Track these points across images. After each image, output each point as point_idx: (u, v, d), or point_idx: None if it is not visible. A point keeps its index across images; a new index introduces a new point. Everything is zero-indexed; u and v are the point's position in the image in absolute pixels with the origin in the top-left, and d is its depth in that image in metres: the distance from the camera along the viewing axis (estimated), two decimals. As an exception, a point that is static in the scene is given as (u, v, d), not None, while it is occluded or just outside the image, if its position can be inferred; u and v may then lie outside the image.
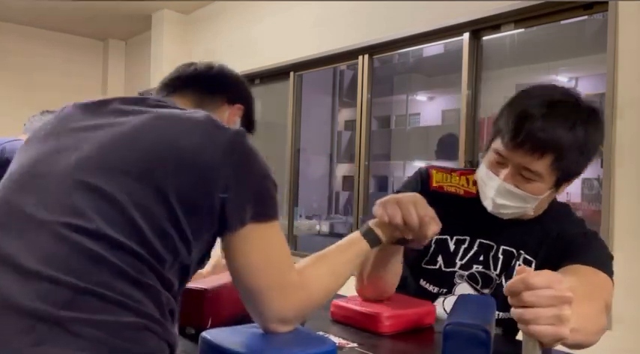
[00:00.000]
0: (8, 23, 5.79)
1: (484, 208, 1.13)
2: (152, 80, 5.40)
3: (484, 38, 3.10)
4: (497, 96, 3.15)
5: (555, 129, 0.99)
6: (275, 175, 0.83)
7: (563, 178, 1.06)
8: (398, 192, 1.16)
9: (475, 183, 1.18)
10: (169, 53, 5.34)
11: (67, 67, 6.15)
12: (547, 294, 0.66)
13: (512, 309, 0.68)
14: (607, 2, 2.45)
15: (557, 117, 1.00)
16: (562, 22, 2.79)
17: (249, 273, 0.80)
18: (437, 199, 1.12)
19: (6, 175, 0.82)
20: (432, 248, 1.22)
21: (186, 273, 0.80)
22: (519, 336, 0.89)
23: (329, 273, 0.89)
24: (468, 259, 1.20)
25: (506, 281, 1.15)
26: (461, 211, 1.19)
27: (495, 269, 1.18)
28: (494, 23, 2.98)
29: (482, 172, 1.11)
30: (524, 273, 0.68)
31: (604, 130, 1.08)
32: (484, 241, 1.19)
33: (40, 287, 0.66)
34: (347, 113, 4.88)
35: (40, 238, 0.70)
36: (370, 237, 0.97)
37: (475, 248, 1.19)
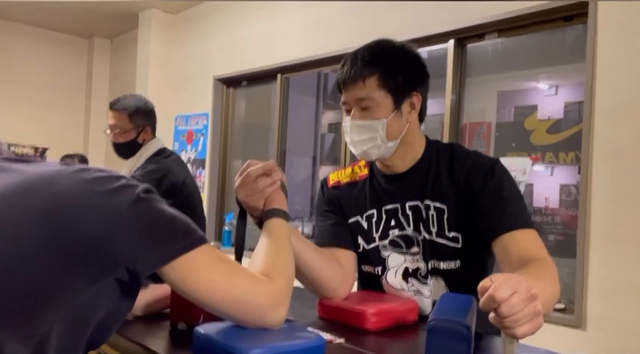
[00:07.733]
0: (-9, 19, 5.73)
1: (379, 182, 1.29)
2: (138, 80, 5.37)
3: (468, 46, 3.17)
4: (479, 102, 3.21)
5: (369, 56, 1.18)
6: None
7: (397, 96, 1.18)
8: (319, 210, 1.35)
9: (365, 165, 1.32)
10: (156, 53, 5.31)
11: (52, 65, 6.07)
12: (517, 300, 0.70)
13: (490, 316, 0.72)
14: (587, 14, 2.53)
15: (373, 51, 1.20)
16: (544, 31, 2.87)
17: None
18: (340, 192, 1.34)
19: None
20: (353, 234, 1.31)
21: None
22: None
23: (288, 261, 0.95)
24: (382, 229, 1.27)
25: (428, 234, 1.21)
26: (361, 192, 1.32)
27: (410, 226, 1.24)
28: (478, 32, 3.05)
29: (343, 129, 1.24)
30: (488, 289, 0.71)
31: (421, 62, 1.24)
32: (388, 207, 1.27)
33: None
34: (331, 116, 4.91)
35: None
36: (277, 214, 1.00)
37: (384, 216, 1.27)
